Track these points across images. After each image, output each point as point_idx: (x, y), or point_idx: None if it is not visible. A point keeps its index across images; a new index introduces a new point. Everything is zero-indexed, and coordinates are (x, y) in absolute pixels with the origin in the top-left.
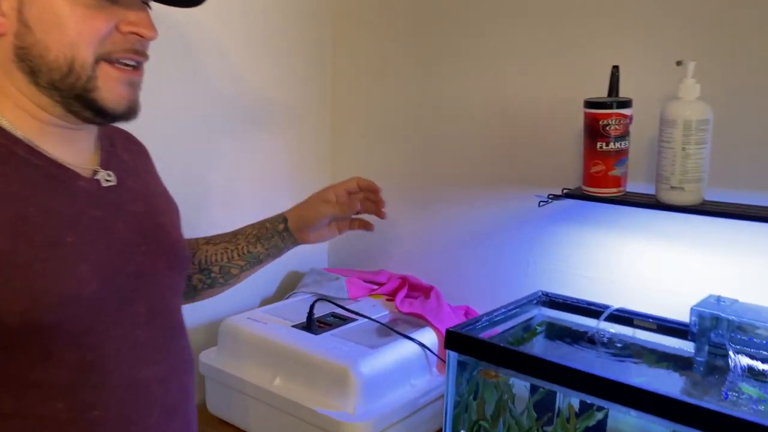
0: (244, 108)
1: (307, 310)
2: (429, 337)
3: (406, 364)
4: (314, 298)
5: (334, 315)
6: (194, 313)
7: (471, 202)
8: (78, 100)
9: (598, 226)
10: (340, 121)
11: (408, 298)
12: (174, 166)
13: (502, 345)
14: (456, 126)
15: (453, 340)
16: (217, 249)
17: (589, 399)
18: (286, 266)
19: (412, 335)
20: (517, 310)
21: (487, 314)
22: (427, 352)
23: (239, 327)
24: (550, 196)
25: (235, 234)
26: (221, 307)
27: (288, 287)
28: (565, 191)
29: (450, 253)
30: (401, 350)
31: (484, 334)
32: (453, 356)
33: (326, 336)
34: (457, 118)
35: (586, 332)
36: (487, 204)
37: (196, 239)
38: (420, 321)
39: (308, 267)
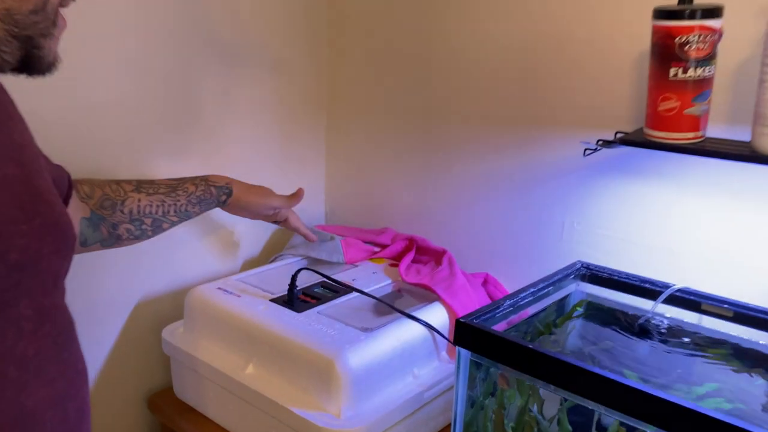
0: (231, 46)
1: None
2: (438, 314)
3: (407, 350)
4: (303, 263)
5: (324, 286)
6: (162, 279)
7: (493, 150)
8: (22, 43)
9: (659, 181)
10: (337, 62)
11: (415, 264)
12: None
13: (524, 345)
14: (473, 58)
15: (464, 333)
16: (152, 200)
17: (642, 426)
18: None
19: (418, 312)
20: (550, 288)
21: (511, 296)
22: (435, 334)
23: (208, 300)
24: (600, 143)
25: (174, 188)
26: (195, 271)
27: (275, 247)
28: (619, 136)
29: (467, 210)
30: (402, 333)
31: (502, 325)
32: (464, 355)
33: (310, 314)
34: (474, 48)
35: (637, 317)
36: (514, 151)
37: (118, 183)
38: (428, 293)
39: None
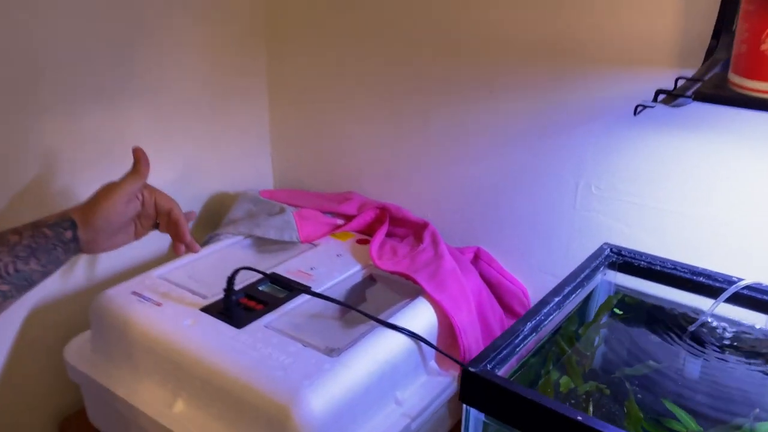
0: None
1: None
2: (422, 314)
3: (388, 371)
4: (246, 244)
5: (274, 280)
6: (61, 276)
7: (487, 90)
8: None
9: (721, 137)
10: None
11: (390, 241)
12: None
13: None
14: None
15: (474, 388)
16: None
17: None
18: (209, 187)
19: (399, 315)
20: (578, 289)
21: (531, 316)
22: (421, 343)
23: (118, 312)
24: (662, 97)
25: None
26: (105, 261)
27: (212, 220)
28: (680, 84)
29: (451, 169)
30: (380, 348)
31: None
32: (475, 415)
33: (255, 330)
34: None
35: (686, 319)
36: (514, 92)
37: None
38: (408, 282)
39: (242, 187)
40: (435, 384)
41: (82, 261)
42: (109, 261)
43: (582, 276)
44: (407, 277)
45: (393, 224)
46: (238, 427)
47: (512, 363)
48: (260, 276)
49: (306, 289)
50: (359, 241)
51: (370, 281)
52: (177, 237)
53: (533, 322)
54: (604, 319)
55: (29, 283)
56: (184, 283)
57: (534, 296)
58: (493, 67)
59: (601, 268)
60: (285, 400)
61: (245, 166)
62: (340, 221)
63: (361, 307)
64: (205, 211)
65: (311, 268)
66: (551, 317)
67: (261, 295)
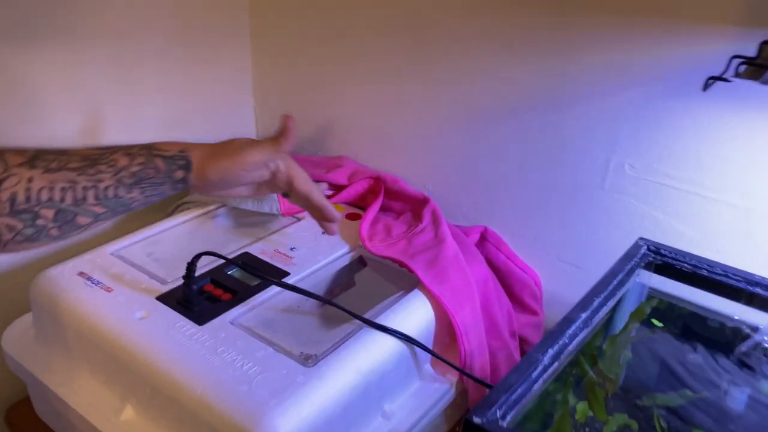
0: None
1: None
2: (418, 310)
3: (374, 380)
4: (220, 215)
5: (244, 264)
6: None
7: (498, 43)
8: None
9: None
10: None
11: (384, 217)
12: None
13: None
14: None
15: None
16: (55, 180)
17: None
18: None
19: (390, 312)
20: (609, 302)
21: (552, 340)
22: (415, 347)
23: (60, 297)
24: (743, 65)
25: (94, 161)
26: None
27: None
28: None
29: (458, 139)
30: (366, 355)
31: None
32: None
33: (218, 327)
34: None
35: (737, 334)
36: (533, 47)
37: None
38: (403, 270)
39: None
40: (430, 391)
41: None
42: None
43: (614, 282)
44: (402, 264)
45: (388, 197)
46: None
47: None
48: (232, 250)
49: (279, 282)
50: (349, 216)
51: (359, 265)
52: (323, 218)
53: (555, 348)
54: (634, 331)
55: (126, 209)
56: (142, 263)
57: (548, 287)
58: (512, 18)
59: (633, 264)
60: (248, 422)
61: (224, 123)
62: (328, 191)
63: (347, 298)
64: None
65: (291, 249)
66: (577, 339)
67: (229, 282)
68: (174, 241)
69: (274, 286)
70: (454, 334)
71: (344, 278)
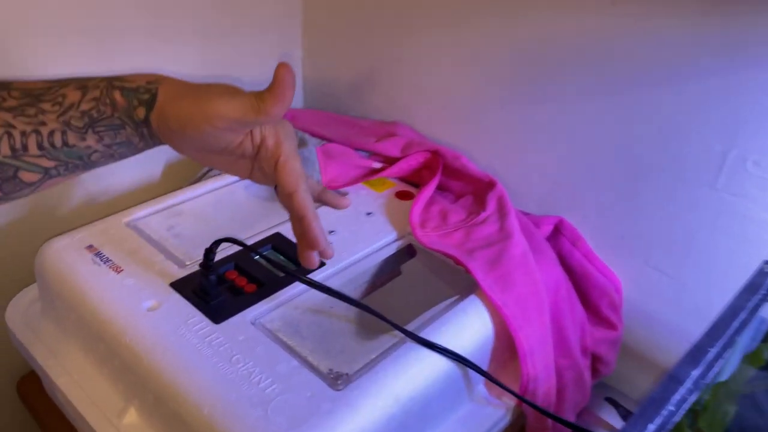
0: None
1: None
2: (473, 321)
3: (417, 407)
4: (248, 183)
5: (276, 247)
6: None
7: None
8: None
9: None
10: None
11: (441, 200)
12: None
13: None
14: None
15: None
16: None
17: None
18: None
19: (438, 325)
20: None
21: (645, 417)
22: (468, 369)
23: (63, 274)
24: None
25: (36, 97)
26: (78, 189)
27: None
28: None
29: (537, 112)
30: (407, 378)
31: None
32: None
33: (237, 327)
34: None
35: None
36: (634, 7)
37: None
38: (458, 268)
39: None
40: (481, 417)
41: None
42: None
43: (735, 325)
44: (458, 262)
45: (447, 176)
46: None
47: None
48: (260, 229)
49: (308, 280)
50: (400, 194)
51: (408, 255)
52: (302, 239)
53: (657, 422)
54: (749, 377)
55: (85, 164)
56: (160, 239)
57: (631, 294)
58: None
59: (763, 294)
60: None
61: (267, 73)
62: (377, 164)
63: (391, 298)
64: None
65: (330, 232)
66: (685, 405)
67: (255, 269)
68: (199, 214)
69: (295, 287)
70: (514, 348)
71: (389, 272)
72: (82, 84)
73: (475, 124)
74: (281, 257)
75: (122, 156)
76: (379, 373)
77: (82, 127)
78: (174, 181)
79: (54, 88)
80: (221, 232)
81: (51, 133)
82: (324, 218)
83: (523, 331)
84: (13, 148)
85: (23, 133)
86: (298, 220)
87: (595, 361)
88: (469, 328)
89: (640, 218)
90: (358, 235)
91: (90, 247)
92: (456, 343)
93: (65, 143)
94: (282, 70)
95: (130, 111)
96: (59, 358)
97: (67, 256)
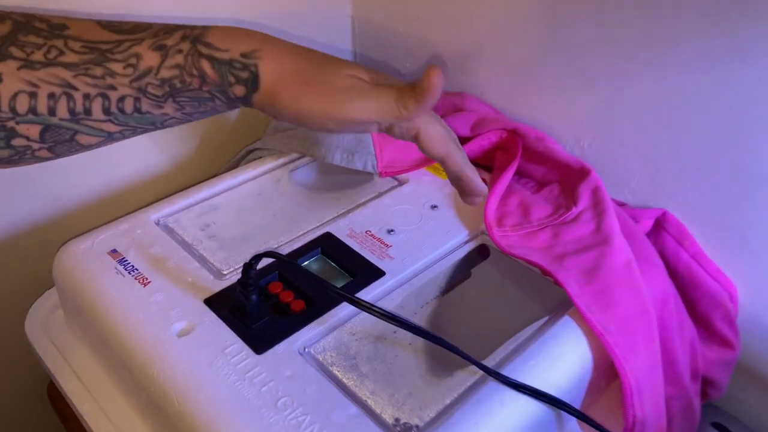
0: None
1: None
2: (568, 351)
3: None
4: (304, 167)
5: (326, 254)
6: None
7: None
8: None
9: None
10: None
11: (519, 187)
12: None
13: None
14: None
15: None
16: (40, 80)
17: None
18: None
19: (526, 353)
20: None
21: None
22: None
23: (82, 285)
24: None
25: (103, 54)
26: (102, 174)
27: (255, 120)
28: None
29: (637, 80)
30: (489, 427)
31: None
32: None
33: (283, 359)
34: None
35: None
36: None
37: None
38: (545, 280)
39: None
40: None
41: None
42: (98, 175)
43: None
44: (545, 272)
45: (528, 159)
46: None
47: None
48: (308, 239)
49: (362, 304)
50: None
51: (480, 257)
52: (463, 192)
53: None
54: None
55: (156, 128)
56: (193, 241)
57: (750, 305)
58: None
59: None
60: None
61: (311, 34)
62: None
63: (462, 316)
64: (244, 109)
65: (389, 231)
66: None
67: (303, 281)
68: (238, 208)
69: (349, 309)
70: (613, 373)
71: (458, 280)
72: (159, 42)
73: (561, 93)
74: (334, 264)
75: (198, 119)
76: (456, 426)
77: (161, 96)
78: (208, 164)
79: (124, 44)
80: (264, 233)
81: (121, 99)
82: (384, 212)
83: (629, 363)
84: (72, 111)
85: (86, 96)
86: (456, 180)
87: (705, 384)
88: (562, 360)
89: (763, 211)
90: (422, 235)
91: (113, 252)
92: (548, 378)
93: (137, 110)
94: (432, 73)
95: (225, 87)
96: (84, 380)
97: (87, 264)
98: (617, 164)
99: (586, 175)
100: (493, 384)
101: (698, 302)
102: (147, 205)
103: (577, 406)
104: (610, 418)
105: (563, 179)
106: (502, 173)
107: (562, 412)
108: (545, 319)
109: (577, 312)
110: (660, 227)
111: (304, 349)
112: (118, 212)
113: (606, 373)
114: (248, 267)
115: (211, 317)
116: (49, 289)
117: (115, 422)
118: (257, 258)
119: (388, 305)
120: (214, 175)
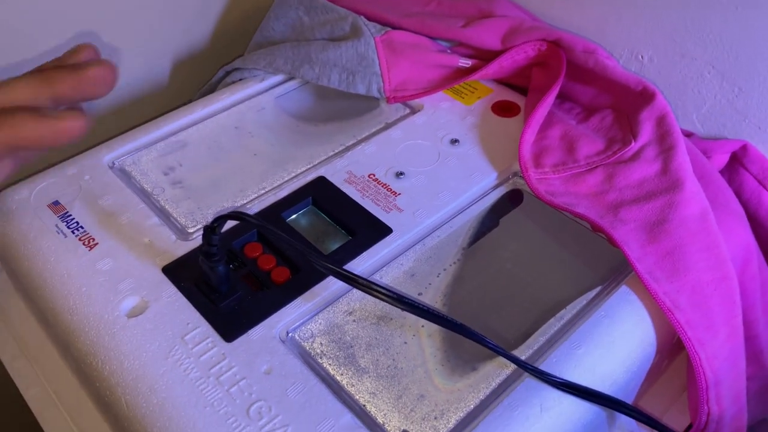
0: None
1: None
2: (624, 332)
3: None
4: (284, 88)
5: (317, 203)
6: None
7: None
8: None
9: None
10: None
11: (562, 114)
12: None
13: None
14: None
15: None
16: None
17: None
18: None
19: (570, 341)
20: None
21: None
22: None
23: (18, 246)
24: None
25: None
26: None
27: (232, 37)
28: None
29: None
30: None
31: None
32: None
33: (257, 348)
34: None
35: None
36: None
37: None
38: (595, 241)
39: None
40: None
41: None
42: None
43: None
44: (596, 227)
45: (574, 78)
46: None
47: None
48: (296, 186)
49: (364, 285)
50: (499, 107)
51: (512, 204)
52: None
53: None
54: None
55: None
56: (153, 189)
57: None
58: None
59: None
60: None
61: None
62: (465, 61)
63: (491, 290)
64: (223, 21)
65: (398, 174)
66: None
67: (286, 250)
68: (210, 145)
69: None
70: (679, 347)
71: (486, 228)
72: None
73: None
74: (328, 219)
75: None
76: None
77: None
78: (177, 92)
79: None
80: (241, 178)
81: None
82: (392, 149)
83: (704, 348)
84: None
85: None
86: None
87: None
88: (618, 346)
89: None
90: (438, 179)
91: (55, 205)
92: (600, 371)
93: None
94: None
95: None
96: (32, 359)
97: (22, 221)
98: (685, 83)
99: (650, 99)
100: (530, 381)
101: None
102: (99, 143)
103: (632, 398)
104: (671, 403)
105: (619, 104)
106: (541, 97)
107: (616, 413)
108: (596, 290)
109: (637, 280)
110: (737, 163)
111: (287, 333)
112: (64, 153)
113: (670, 351)
114: (210, 231)
115: (170, 291)
116: None
117: (68, 410)
118: (220, 220)
119: (396, 272)
120: (184, 104)
